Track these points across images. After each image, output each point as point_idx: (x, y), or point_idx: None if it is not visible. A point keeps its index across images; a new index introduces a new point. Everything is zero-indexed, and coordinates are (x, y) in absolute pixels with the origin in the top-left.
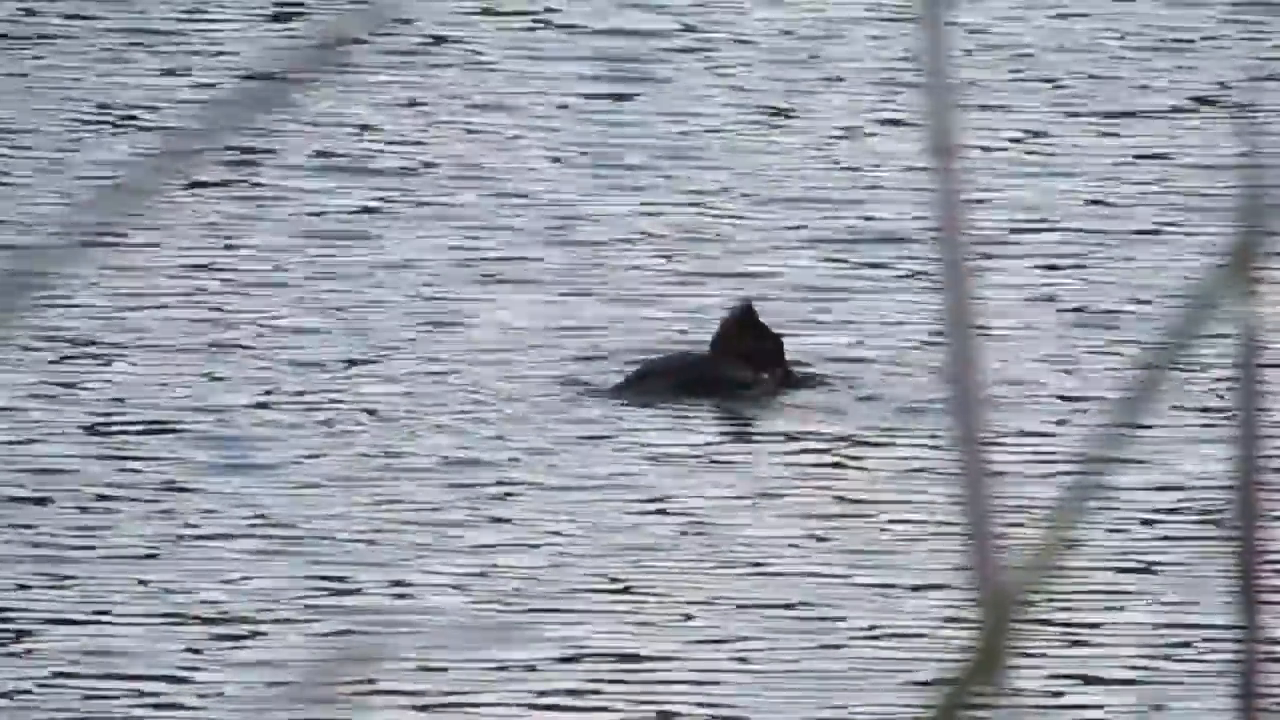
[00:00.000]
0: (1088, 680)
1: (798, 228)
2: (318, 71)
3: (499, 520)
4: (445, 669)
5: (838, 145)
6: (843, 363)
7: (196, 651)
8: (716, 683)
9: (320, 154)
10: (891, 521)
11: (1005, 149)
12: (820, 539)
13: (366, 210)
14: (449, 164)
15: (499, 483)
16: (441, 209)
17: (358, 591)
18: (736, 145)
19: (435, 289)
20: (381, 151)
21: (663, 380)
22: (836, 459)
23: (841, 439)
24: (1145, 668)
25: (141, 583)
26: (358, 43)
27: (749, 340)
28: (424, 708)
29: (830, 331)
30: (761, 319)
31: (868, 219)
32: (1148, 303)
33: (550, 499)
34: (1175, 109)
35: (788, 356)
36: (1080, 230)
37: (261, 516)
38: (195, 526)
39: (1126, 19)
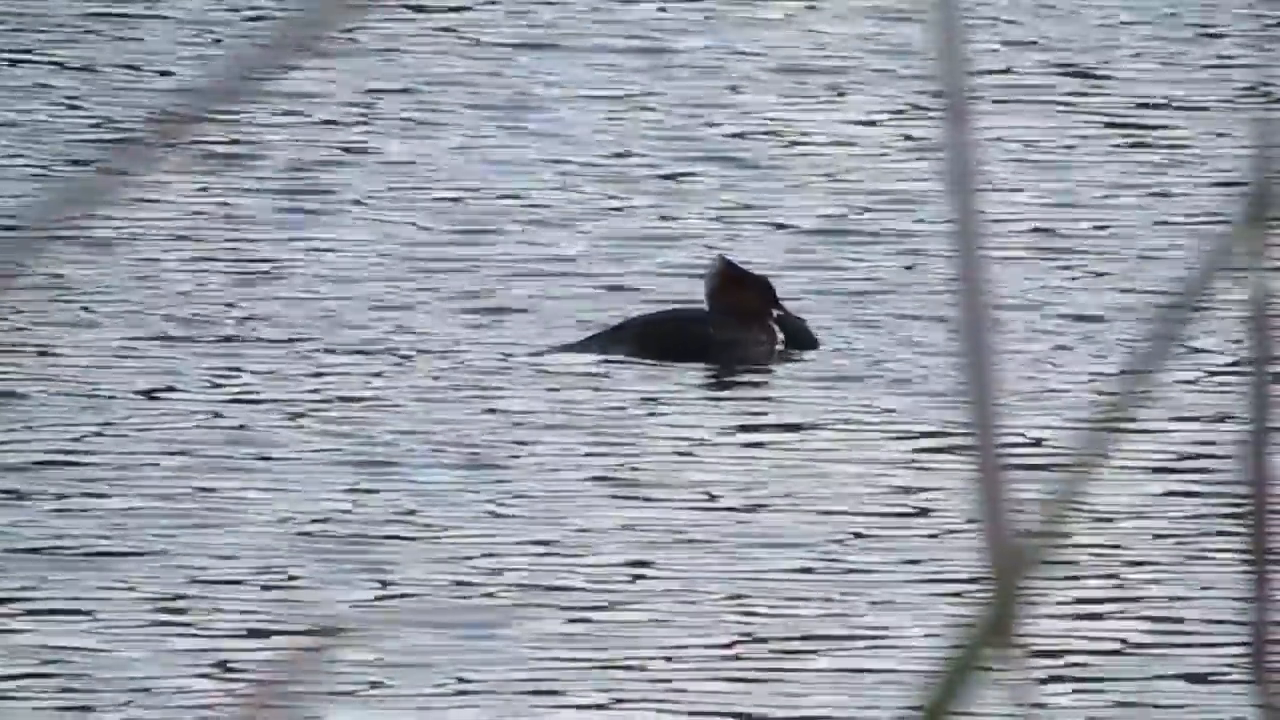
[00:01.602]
0: (1095, 651)
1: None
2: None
3: (486, 493)
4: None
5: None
6: (844, 311)
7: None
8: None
9: (289, 115)
10: (896, 488)
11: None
12: (824, 508)
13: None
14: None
15: (489, 451)
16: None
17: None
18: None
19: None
20: (356, 120)
21: (655, 340)
22: (838, 423)
23: (840, 402)
24: (1155, 633)
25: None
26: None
27: (735, 292)
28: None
29: (828, 277)
30: (743, 268)
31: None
32: (1163, 251)
33: (541, 464)
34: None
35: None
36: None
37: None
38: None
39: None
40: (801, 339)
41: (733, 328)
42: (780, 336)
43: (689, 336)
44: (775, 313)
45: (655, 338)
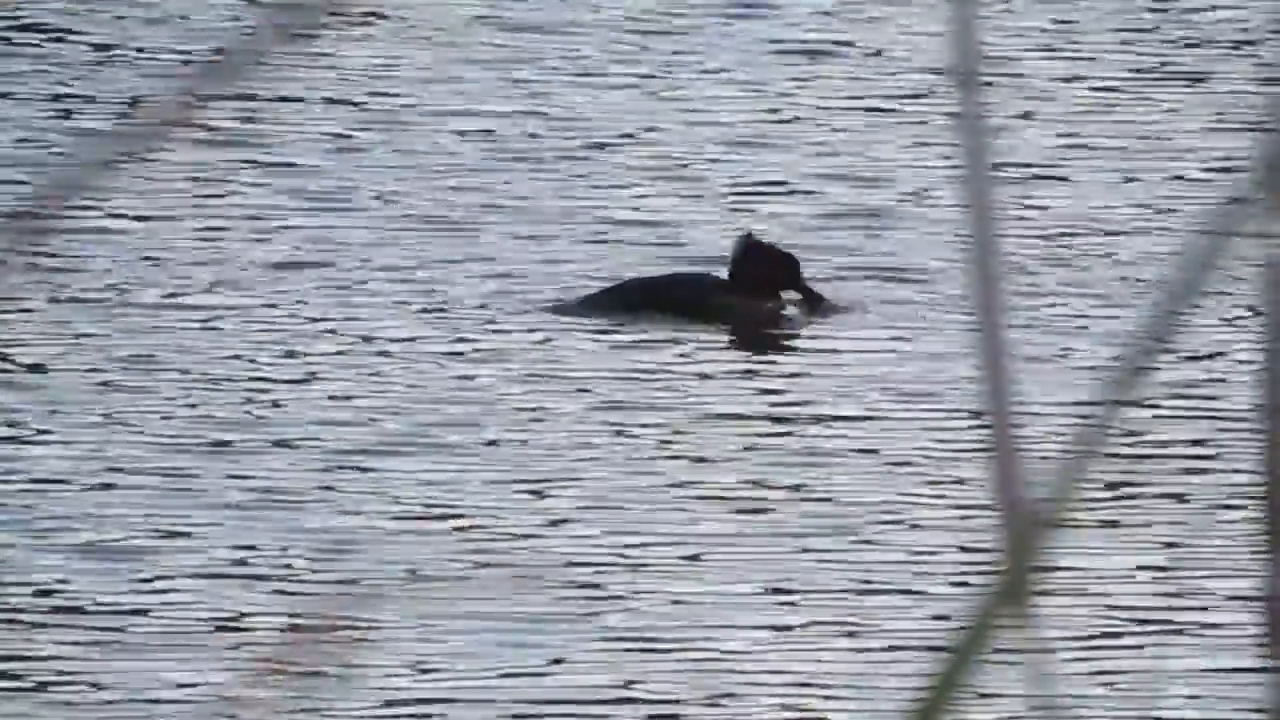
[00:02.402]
0: (1109, 621)
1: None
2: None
3: (497, 459)
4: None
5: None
6: (870, 281)
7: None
8: (730, 628)
9: (293, 100)
10: (911, 458)
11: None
12: (836, 471)
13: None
14: (427, 105)
15: (501, 408)
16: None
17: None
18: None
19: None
20: (356, 102)
21: (655, 301)
22: (853, 388)
23: (848, 367)
24: (1166, 607)
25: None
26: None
27: (760, 265)
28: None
29: (852, 255)
30: (770, 244)
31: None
32: (1178, 216)
33: (549, 425)
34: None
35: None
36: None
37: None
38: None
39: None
40: (825, 311)
41: (750, 295)
42: (796, 308)
43: (689, 297)
44: (798, 291)
45: (655, 298)
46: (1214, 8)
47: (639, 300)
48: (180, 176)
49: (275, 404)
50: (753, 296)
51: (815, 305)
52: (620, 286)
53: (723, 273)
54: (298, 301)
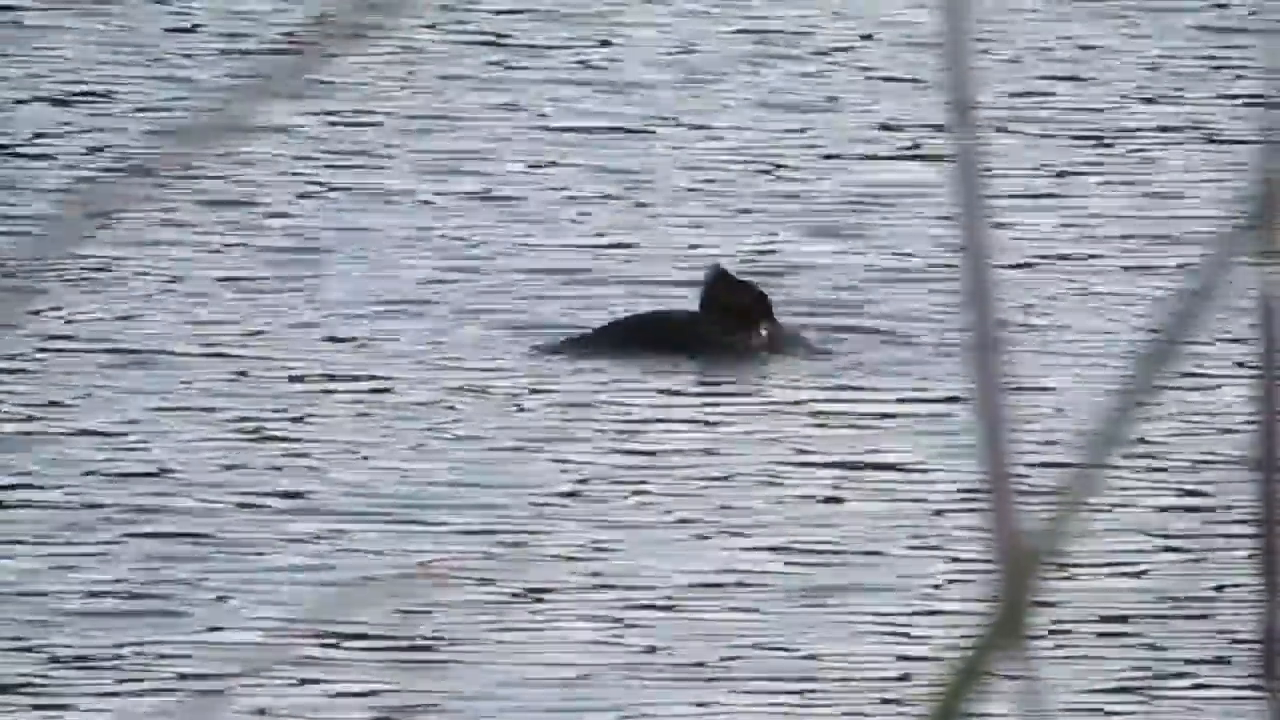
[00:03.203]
0: (1106, 644)
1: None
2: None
3: (469, 484)
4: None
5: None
6: (843, 319)
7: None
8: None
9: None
10: (900, 484)
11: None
12: (826, 500)
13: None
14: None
15: (472, 439)
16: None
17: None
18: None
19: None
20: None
21: (643, 337)
22: (833, 420)
23: (833, 399)
24: (1161, 632)
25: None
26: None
27: (729, 299)
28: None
29: (829, 281)
30: (740, 277)
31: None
32: (1171, 251)
33: (529, 457)
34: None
35: (777, 313)
36: (1104, 179)
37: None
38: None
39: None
40: (795, 347)
41: (719, 328)
42: (766, 340)
43: (675, 335)
44: (768, 324)
45: (641, 337)
46: (1209, 29)
47: (622, 339)
48: (167, 230)
49: (284, 457)
50: (722, 330)
51: (783, 340)
52: (605, 327)
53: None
54: (295, 353)
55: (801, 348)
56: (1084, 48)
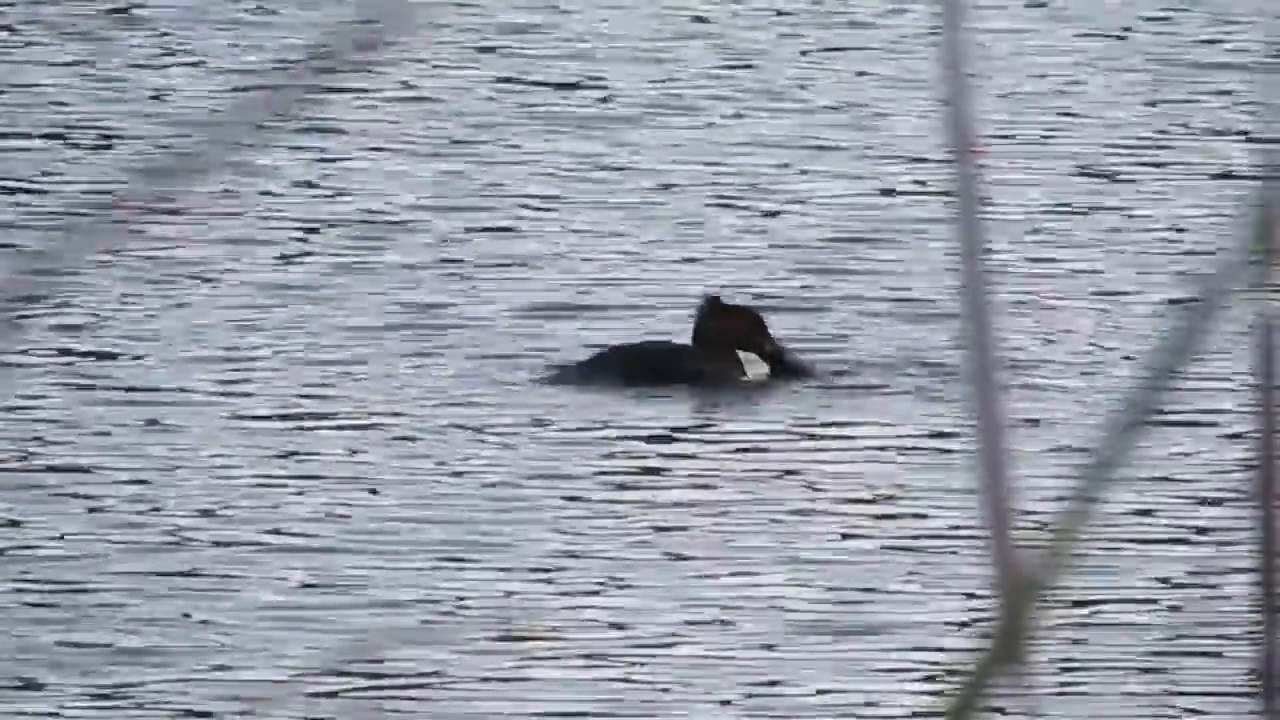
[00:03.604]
0: (1101, 667)
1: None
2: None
3: (474, 517)
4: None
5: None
6: (843, 342)
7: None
8: (726, 678)
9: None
10: (902, 514)
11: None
12: (823, 531)
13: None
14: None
15: (473, 473)
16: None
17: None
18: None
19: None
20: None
21: (637, 368)
22: (830, 453)
23: (831, 432)
24: (1162, 663)
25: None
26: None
27: (725, 323)
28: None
29: (827, 315)
30: (734, 302)
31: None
32: (1166, 284)
33: (515, 490)
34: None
35: (775, 335)
36: (1100, 205)
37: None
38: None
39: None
40: (794, 370)
41: (712, 358)
42: (764, 368)
43: (668, 365)
44: (767, 344)
45: (634, 366)
46: (1210, 67)
47: (613, 369)
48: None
49: (284, 495)
50: (718, 356)
51: (782, 363)
52: (596, 357)
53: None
54: (291, 389)
55: (801, 370)
56: (1080, 81)
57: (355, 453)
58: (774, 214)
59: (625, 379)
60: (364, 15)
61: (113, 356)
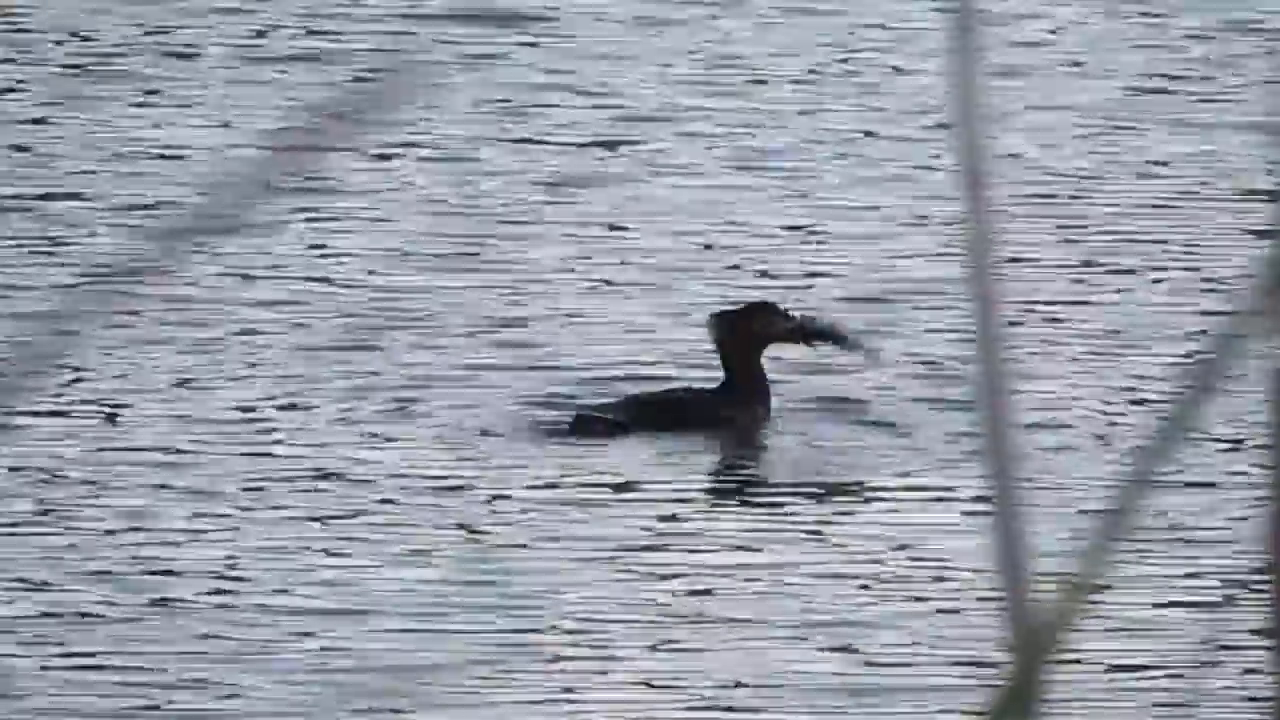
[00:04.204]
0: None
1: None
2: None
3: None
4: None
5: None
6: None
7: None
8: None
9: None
10: (912, 562)
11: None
12: (838, 576)
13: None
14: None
15: (482, 519)
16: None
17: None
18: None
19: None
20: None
21: (652, 415)
22: (847, 497)
23: (851, 473)
24: (1172, 700)
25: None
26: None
27: (742, 328)
28: None
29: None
30: (733, 308)
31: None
32: (1179, 331)
33: (540, 535)
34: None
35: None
36: (1113, 262)
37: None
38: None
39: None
40: (834, 337)
41: (731, 405)
42: (767, 410)
43: (687, 412)
44: (787, 325)
45: (653, 413)
46: (1218, 115)
47: (637, 415)
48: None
49: (284, 548)
50: (733, 401)
51: (813, 334)
52: (619, 402)
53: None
54: (301, 445)
55: (834, 335)
56: (1092, 120)
57: (372, 514)
58: (792, 274)
59: (649, 426)
60: (373, 78)
61: (122, 413)
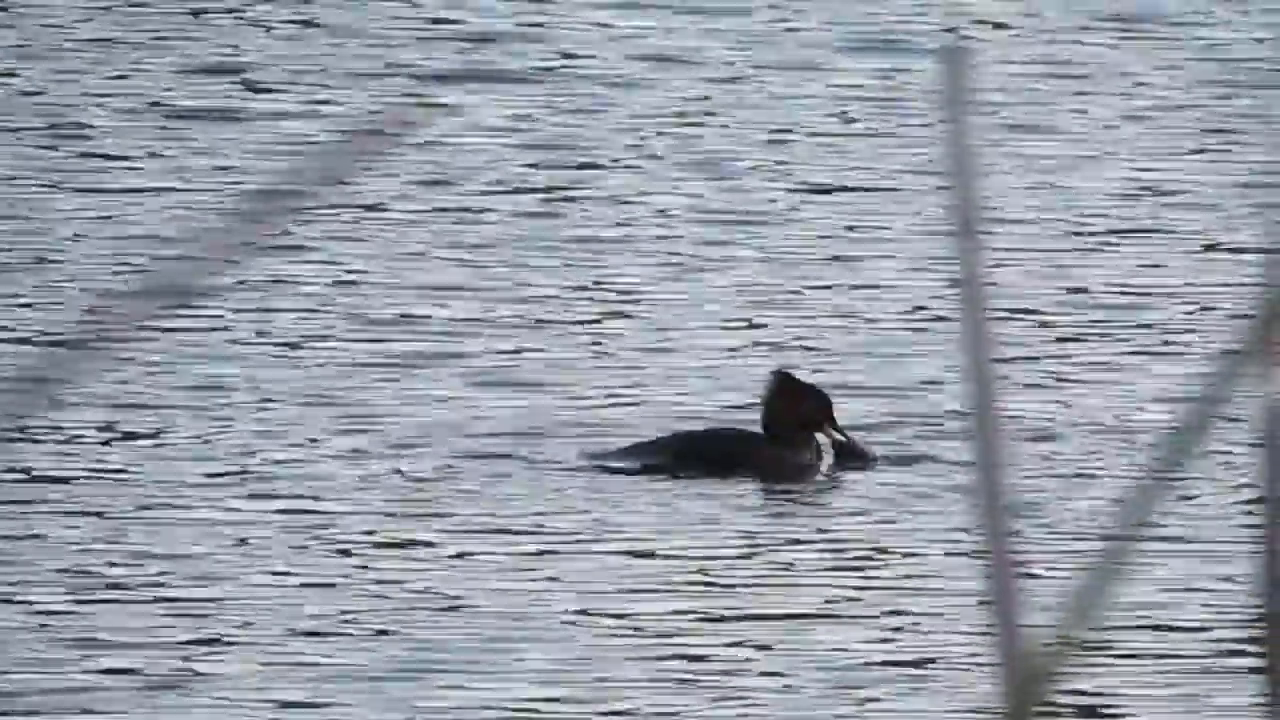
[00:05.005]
0: None
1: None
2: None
3: (537, 593)
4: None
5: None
6: (896, 427)
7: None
8: None
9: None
10: (928, 597)
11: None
12: (855, 616)
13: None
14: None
15: (533, 554)
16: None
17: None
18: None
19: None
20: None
21: (696, 454)
22: (881, 543)
23: (884, 523)
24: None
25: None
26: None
27: (792, 403)
28: None
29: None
30: (802, 380)
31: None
32: (1178, 364)
33: (580, 572)
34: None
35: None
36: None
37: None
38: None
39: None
40: (856, 455)
41: (777, 445)
42: (829, 456)
43: (732, 452)
44: (829, 429)
45: (697, 452)
46: (1216, 149)
47: (677, 453)
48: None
49: (331, 580)
50: (783, 436)
51: (847, 449)
52: (658, 440)
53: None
54: (328, 479)
55: (862, 457)
56: (1076, 149)
57: (393, 561)
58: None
59: (684, 464)
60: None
61: (121, 462)
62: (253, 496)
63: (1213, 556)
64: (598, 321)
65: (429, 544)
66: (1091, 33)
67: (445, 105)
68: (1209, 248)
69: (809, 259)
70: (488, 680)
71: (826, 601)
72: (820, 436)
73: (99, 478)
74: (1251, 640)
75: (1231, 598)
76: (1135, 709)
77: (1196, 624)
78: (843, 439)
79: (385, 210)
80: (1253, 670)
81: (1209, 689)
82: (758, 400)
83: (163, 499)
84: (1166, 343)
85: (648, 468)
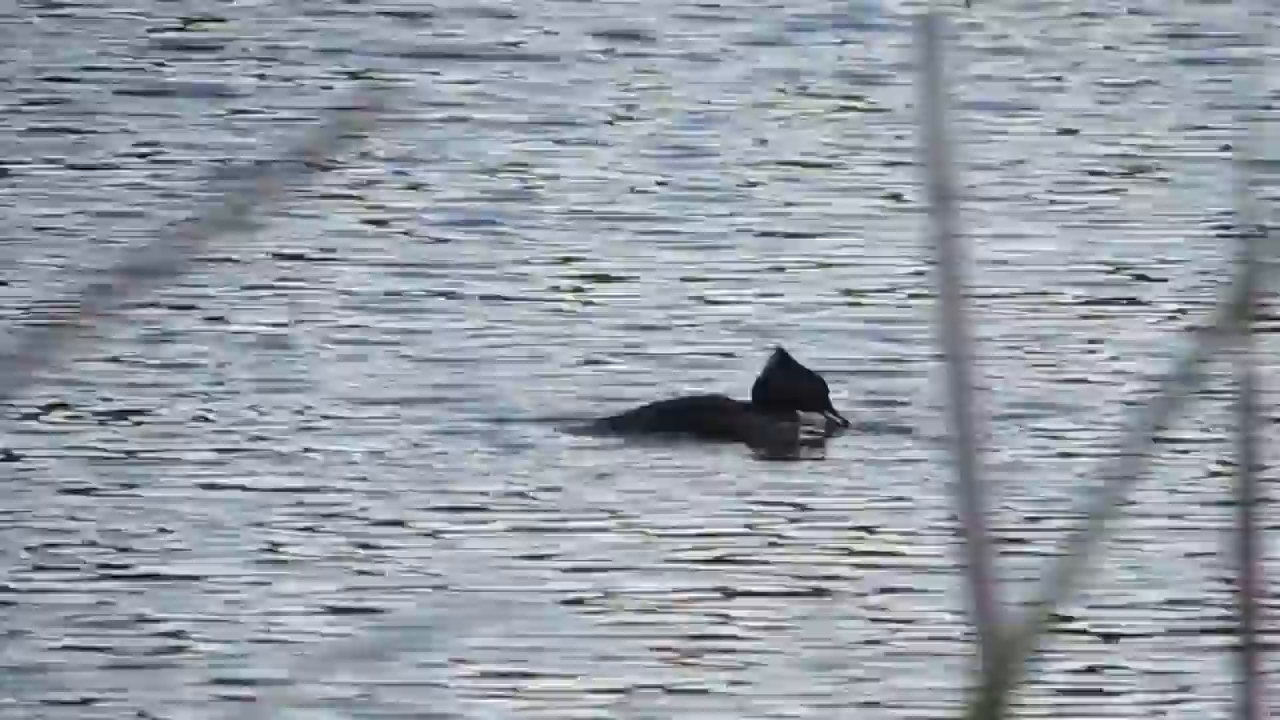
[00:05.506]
0: None
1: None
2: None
3: (522, 556)
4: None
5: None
6: (890, 406)
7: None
8: None
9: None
10: (911, 570)
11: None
12: (832, 588)
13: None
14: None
15: (521, 521)
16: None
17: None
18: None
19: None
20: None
21: (674, 424)
22: (861, 508)
23: (863, 490)
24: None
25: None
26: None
27: (789, 383)
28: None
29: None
30: (798, 361)
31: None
32: (1153, 330)
33: (572, 537)
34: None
35: (833, 399)
36: (1086, 278)
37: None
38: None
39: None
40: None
41: (773, 413)
42: (813, 427)
43: (714, 420)
44: (826, 413)
45: (678, 421)
46: (1194, 129)
47: (658, 422)
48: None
49: (319, 571)
50: (774, 413)
51: (838, 430)
52: (640, 410)
53: (743, 393)
54: (318, 454)
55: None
56: (1064, 128)
57: (376, 540)
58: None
59: (674, 432)
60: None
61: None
62: (234, 475)
63: (1188, 532)
64: (571, 297)
65: (411, 523)
66: (1069, 6)
67: (412, 84)
68: (1186, 222)
69: (781, 234)
70: (474, 658)
71: (810, 577)
72: (815, 417)
73: (77, 455)
74: (1225, 616)
75: (1207, 572)
76: (1112, 684)
77: (1172, 600)
78: (840, 423)
79: (361, 190)
80: (1226, 647)
81: (1184, 665)
82: (753, 372)
83: (143, 476)
84: (1144, 317)
85: (629, 439)
